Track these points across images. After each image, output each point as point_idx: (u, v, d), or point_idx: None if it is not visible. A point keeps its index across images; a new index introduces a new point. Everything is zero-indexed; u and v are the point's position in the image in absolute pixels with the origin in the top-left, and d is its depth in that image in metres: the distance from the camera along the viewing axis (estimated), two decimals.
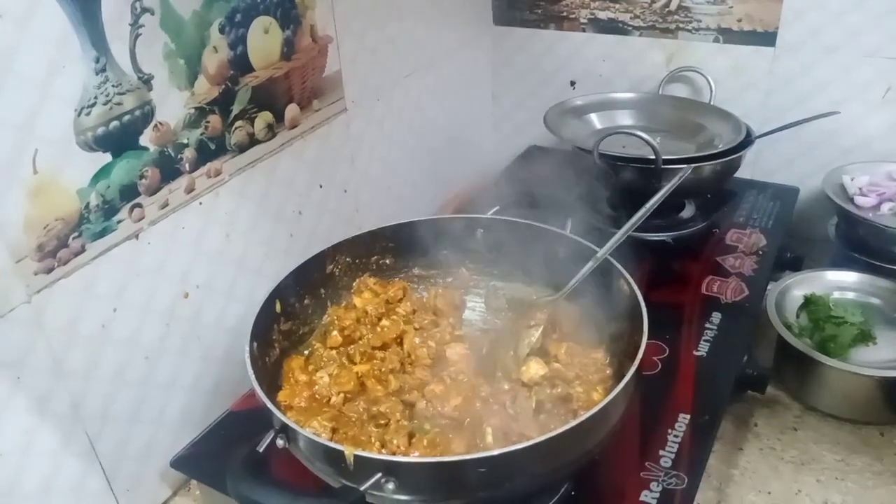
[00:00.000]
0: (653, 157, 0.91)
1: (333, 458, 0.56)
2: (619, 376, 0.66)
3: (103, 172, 0.66)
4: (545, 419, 0.66)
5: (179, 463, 0.75)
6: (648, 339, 0.63)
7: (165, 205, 0.73)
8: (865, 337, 0.85)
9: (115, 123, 0.66)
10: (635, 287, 0.69)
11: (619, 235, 0.72)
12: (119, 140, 0.66)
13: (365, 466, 0.55)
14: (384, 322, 0.78)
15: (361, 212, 1.04)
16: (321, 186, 0.95)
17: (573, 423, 0.56)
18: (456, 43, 1.20)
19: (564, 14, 1.23)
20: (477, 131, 1.36)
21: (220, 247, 0.81)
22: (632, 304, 0.68)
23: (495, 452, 0.54)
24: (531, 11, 1.26)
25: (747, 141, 1.01)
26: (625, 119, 1.15)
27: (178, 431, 0.79)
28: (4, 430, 0.62)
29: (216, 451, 0.75)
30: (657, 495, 0.66)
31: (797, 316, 0.90)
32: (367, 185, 1.04)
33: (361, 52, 0.97)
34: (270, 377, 0.71)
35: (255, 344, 0.67)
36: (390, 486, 0.54)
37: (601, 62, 1.24)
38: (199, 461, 0.75)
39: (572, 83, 1.28)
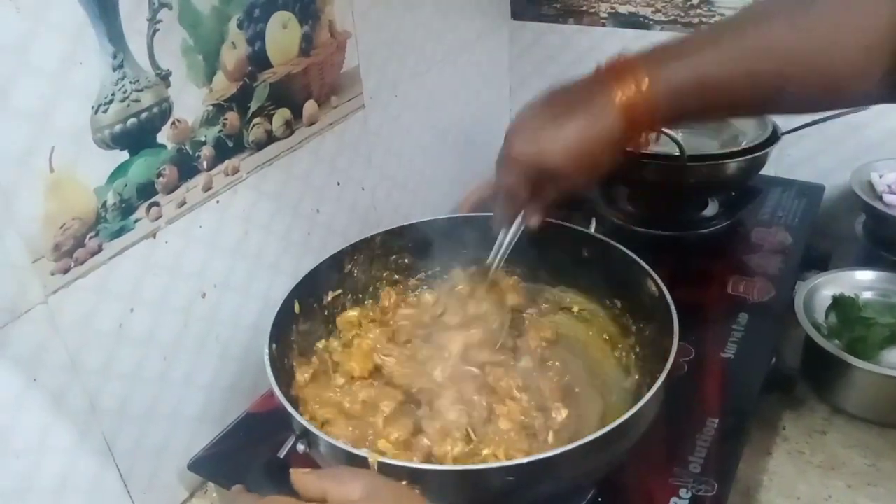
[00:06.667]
0: (678, 153, 0.89)
1: (357, 464, 0.55)
2: (647, 380, 0.65)
3: (120, 170, 0.64)
4: None
5: (197, 465, 0.74)
6: None
7: (183, 203, 0.72)
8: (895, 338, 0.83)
9: (132, 121, 0.64)
10: (664, 288, 0.67)
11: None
12: (136, 137, 0.65)
13: (389, 473, 0.53)
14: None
15: (378, 209, 1.02)
16: (339, 184, 0.93)
17: (602, 430, 0.55)
18: (473, 37, 1.19)
19: (584, 8, 1.21)
20: (494, 127, 1.34)
21: (237, 244, 0.79)
22: (661, 306, 0.66)
23: (523, 460, 0.53)
24: (550, 5, 1.24)
25: (773, 137, 0.99)
26: None
27: (195, 431, 0.78)
28: (21, 429, 0.61)
29: (234, 454, 0.74)
30: (686, 502, 0.64)
31: (826, 316, 0.88)
32: (383, 182, 1.03)
33: (379, 46, 0.95)
34: (289, 378, 0.70)
35: (274, 346, 0.67)
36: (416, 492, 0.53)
37: None
38: (216, 464, 0.74)
39: None
